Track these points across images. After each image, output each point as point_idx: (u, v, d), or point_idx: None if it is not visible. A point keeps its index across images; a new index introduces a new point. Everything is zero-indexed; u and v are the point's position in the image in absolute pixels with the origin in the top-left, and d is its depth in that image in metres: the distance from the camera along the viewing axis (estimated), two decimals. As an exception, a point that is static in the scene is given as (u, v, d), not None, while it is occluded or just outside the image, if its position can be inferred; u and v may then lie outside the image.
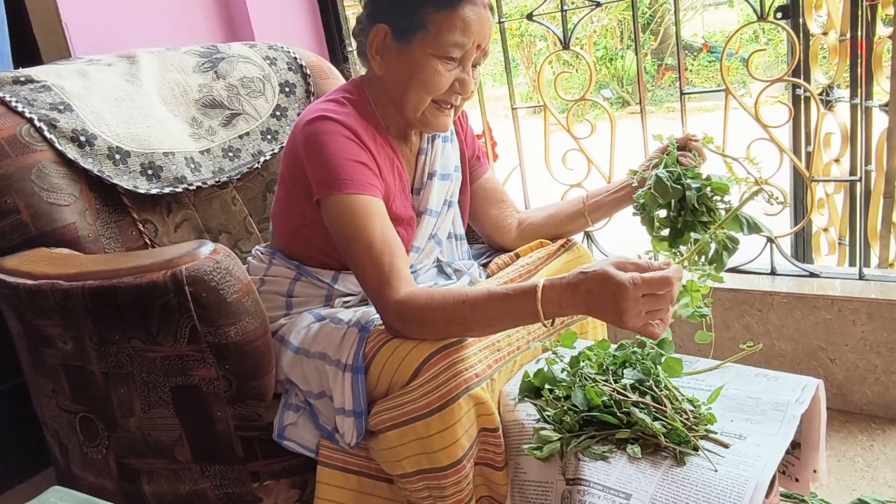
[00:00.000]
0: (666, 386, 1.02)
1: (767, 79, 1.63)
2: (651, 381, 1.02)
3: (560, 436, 0.98)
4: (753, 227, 1.11)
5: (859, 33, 1.72)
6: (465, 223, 1.41)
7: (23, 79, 1.35)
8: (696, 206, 1.12)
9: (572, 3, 1.81)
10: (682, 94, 1.77)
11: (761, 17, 1.59)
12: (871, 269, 1.73)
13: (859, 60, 1.78)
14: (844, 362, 1.64)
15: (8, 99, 1.30)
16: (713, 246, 1.11)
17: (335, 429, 1.07)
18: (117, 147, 1.36)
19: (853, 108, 1.95)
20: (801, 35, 1.99)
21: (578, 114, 2.07)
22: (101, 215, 1.35)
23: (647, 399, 0.99)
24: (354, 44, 1.25)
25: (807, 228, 2.14)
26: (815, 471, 1.08)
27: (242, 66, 1.63)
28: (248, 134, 1.58)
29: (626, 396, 0.99)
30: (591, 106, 6.28)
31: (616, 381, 1.02)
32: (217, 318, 1.02)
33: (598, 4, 1.79)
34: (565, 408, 1.00)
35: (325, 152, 1.10)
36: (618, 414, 0.97)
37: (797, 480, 1.10)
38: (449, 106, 1.19)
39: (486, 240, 1.47)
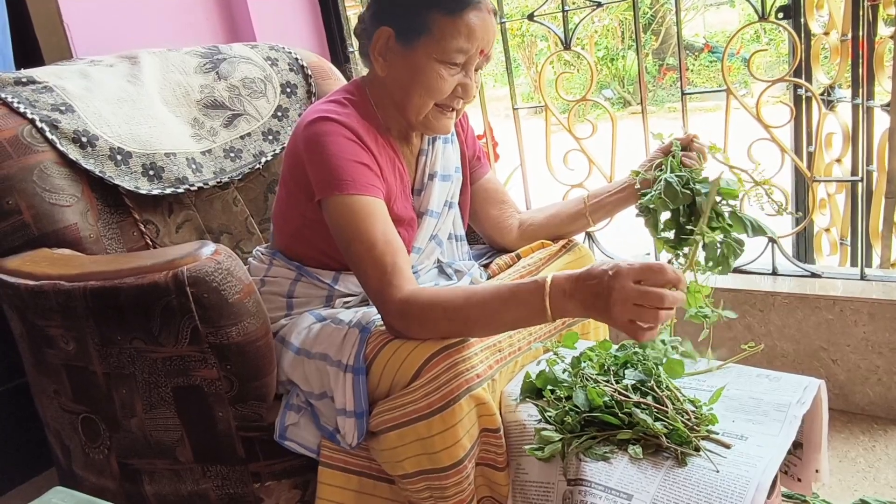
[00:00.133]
0: (667, 386, 1.02)
1: (769, 79, 1.63)
2: (652, 382, 1.02)
3: (561, 436, 0.98)
4: (758, 229, 1.12)
5: (861, 33, 1.72)
6: (466, 224, 1.41)
7: (24, 80, 1.35)
8: (705, 210, 1.12)
9: (573, 4, 1.81)
10: (683, 94, 1.77)
11: (763, 17, 1.59)
12: (872, 270, 1.73)
13: (861, 60, 1.78)
14: (846, 363, 1.64)
15: (10, 100, 1.30)
16: (718, 248, 1.11)
17: (336, 429, 1.07)
18: (119, 148, 1.36)
19: (854, 108, 1.95)
20: (803, 35, 1.98)
21: (579, 114, 2.07)
22: (102, 216, 1.35)
23: (649, 399, 0.99)
24: (356, 43, 1.25)
25: (808, 229, 2.14)
26: (817, 470, 1.08)
27: (244, 66, 1.64)
28: (249, 134, 1.58)
29: (628, 397, 0.99)
30: (593, 106, 6.27)
31: (617, 382, 1.02)
32: (218, 318, 1.03)
33: (599, 5, 1.79)
34: (567, 408, 1.00)
35: (326, 153, 1.10)
36: (619, 414, 0.97)
37: (799, 480, 1.10)
38: (451, 109, 1.19)
39: (486, 240, 1.47)
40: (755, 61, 1.67)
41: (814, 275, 1.70)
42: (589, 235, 1.93)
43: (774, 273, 1.74)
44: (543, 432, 0.99)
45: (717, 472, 0.89)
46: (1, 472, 1.69)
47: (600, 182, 1.64)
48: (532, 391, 1.07)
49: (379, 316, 1.09)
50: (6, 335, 1.34)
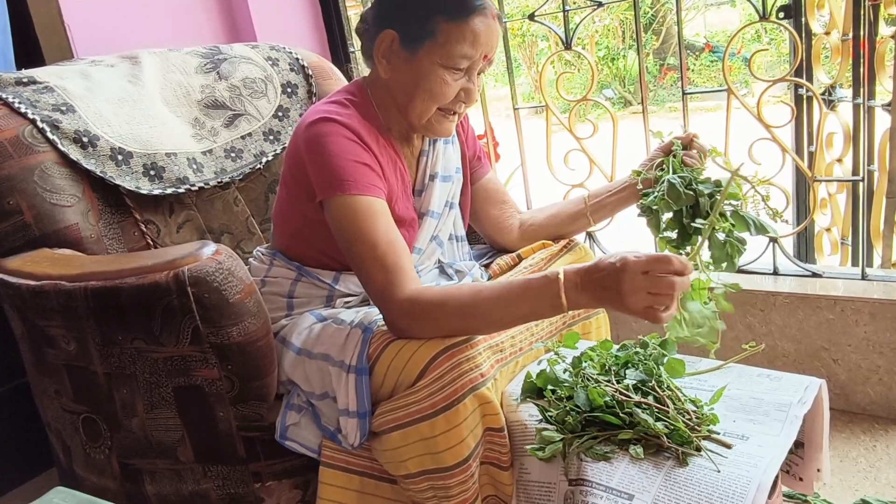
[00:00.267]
0: (668, 386, 1.02)
1: (770, 78, 1.63)
2: (653, 382, 1.02)
3: (562, 436, 0.98)
4: (760, 228, 1.12)
5: (862, 33, 1.72)
6: (466, 224, 1.41)
7: (25, 80, 1.36)
8: (709, 211, 1.13)
9: (574, 4, 1.81)
10: (684, 93, 1.77)
11: (763, 17, 1.59)
12: (873, 270, 1.73)
13: (862, 60, 1.78)
14: (847, 362, 1.64)
15: (11, 100, 1.31)
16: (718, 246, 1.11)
17: (337, 429, 1.07)
18: (120, 148, 1.36)
19: (856, 107, 1.95)
20: (804, 35, 1.98)
21: (580, 114, 2.07)
22: (103, 216, 1.35)
23: (650, 399, 0.99)
24: (357, 43, 1.25)
25: (809, 228, 2.14)
26: (818, 470, 1.08)
27: (244, 66, 1.64)
28: (250, 134, 1.58)
29: (629, 397, 0.98)
30: (593, 106, 6.27)
31: (618, 382, 1.02)
32: (219, 318, 1.03)
33: (600, 4, 1.79)
34: (567, 408, 1.00)
35: (327, 153, 1.10)
36: (620, 414, 0.97)
37: (801, 480, 1.10)
38: (453, 113, 1.19)
39: (487, 240, 1.47)
40: (756, 61, 1.67)
41: (815, 274, 1.70)
42: (590, 235, 1.93)
43: (775, 273, 1.74)
44: (544, 432, 0.99)
45: (719, 472, 0.89)
46: (1, 471, 1.69)
47: (601, 182, 1.64)
48: (533, 391, 1.07)
49: (381, 316, 1.09)
50: (7, 335, 1.34)
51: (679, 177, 1.16)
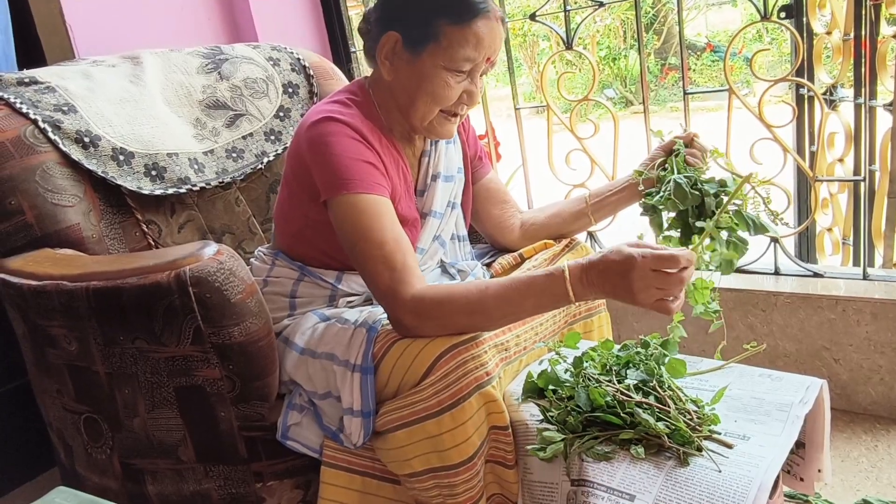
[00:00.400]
0: (669, 386, 1.02)
1: (771, 78, 1.63)
2: (654, 382, 1.02)
3: (563, 436, 0.98)
4: (760, 228, 1.12)
5: (863, 32, 1.72)
6: (468, 224, 1.41)
7: (27, 80, 1.36)
8: (714, 210, 1.13)
9: (575, 3, 1.81)
10: (685, 93, 1.77)
11: (765, 17, 1.58)
12: (875, 269, 1.73)
13: (863, 60, 1.77)
14: (848, 362, 1.64)
15: (12, 100, 1.31)
16: (723, 245, 1.12)
17: (339, 429, 1.07)
18: (121, 148, 1.36)
19: (857, 107, 1.95)
20: (805, 34, 1.98)
21: (581, 114, 2.07)
22: (105, 216, 1.35)
23: (651, 399, 0.99)
24: (359, 43, 1.25)
25: (810, 228, 2.14)
26: (819, 470, 1.08)
27: (246, 66, 1.64)
28: (251, 135, 1.58)
29: (630, 397, 0.99)
30: (595, 106, 6.28)
31: (619, 382, 1.02)
32: (221, 318, 1.03)
33: (601, 4, 1.79)
34: (569, 408, 1.00)
35: (331, 153, 1.10)
36: (621, 414, 0.97)
37: (802, 480, 1.10)
38: (455, 115, 1.19)
39: (489, 240, 1.47)
40: (757, 61, 1.67)
41: (816, 274, 1.70)
42: (591, 235, 1.93)
43: (777, 273, 1.74)
44: (546, 432, 0.99)
45: (720, 472, 0.89)
46: (3, 471, 1.69)
47: (602, 182, 1.64)
48: (534, 391, 1.07)
49: (384, 315, 1.09)
50: (8, 335, 1.34)
51: (685, 177, 1.17)
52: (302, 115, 1.62)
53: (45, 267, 1.18)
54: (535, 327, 1.17)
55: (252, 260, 1.35)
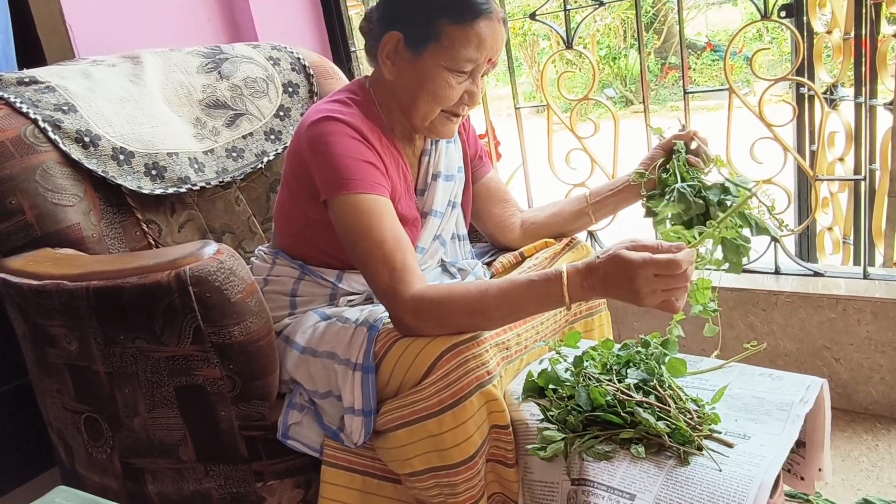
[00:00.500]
0: (670, 385, 1.02)
1: (771, 77, 1.63)
2: (655, 381, 1.02)
3: (564, 436, 0.98)
4: (762, 230, 1.12)
5: (864, 32, 1.72)
6: (468, 223, 1.41)
7: (27, 80, 1.36)
8: (720, 214, 1.13)
9: (575, 3, 1.81)
10: (685, 92, 1.77)
11: (765, 16, 1.58)
12: (875, 269, 1.73)
13: (864, 59, 1.77)
14: (849, 362, 1.64)
15: (12, 100, 1.31)
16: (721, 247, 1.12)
17: (340, 428, 1.07)
18: (121, 148, 1.36)
19: (857, 106, 1.94)
20: (805, 33, 1.98)
21: (582, 113, 2.07)
22: (105, 216, 1.35)
23: (651, 399, 0.99)
24: (359, 42, 1.25)
25: (811, 227, 2.14)
26: (820, 469, 1.08)
27: (246, 66, 1.64)
28: (251, 134, 1.58)
29: (630, 396, 0.98)
30: (595, 105, 6.27)
31: (620, 381, 1.02)
32: (221, 318, 1.03)
33: (601, 3, 1.79)
34: (569, 408, 1.00)
35: (331, 152, 1.10)
36: (621, 414, 0.97)
37: (802, 479, 1.10)
38: (456, 115, 1.20)
39: (489, 239, 1.47)
40: (757, 60, 1.67)
41: (817, 274, 1.70)
42: (591, 234, 1.93)
43: (777, 272, 1.74)
44: (546, 432, 0.99)
45: (720, 471, 0.89)
46: (3, 471, 1.69)
47: (603, 181, 1.64)
48: (534, 390, 1.07)
49: (386, 314, 1.09)
50: (9, 335, 1.34)
51: (688, 185, 1.17)
52: (302, 115, 1.62)
53: (46, 266, 1.18)
54: (536, 326, 1.17)
55: (252, 259, 1.35)
